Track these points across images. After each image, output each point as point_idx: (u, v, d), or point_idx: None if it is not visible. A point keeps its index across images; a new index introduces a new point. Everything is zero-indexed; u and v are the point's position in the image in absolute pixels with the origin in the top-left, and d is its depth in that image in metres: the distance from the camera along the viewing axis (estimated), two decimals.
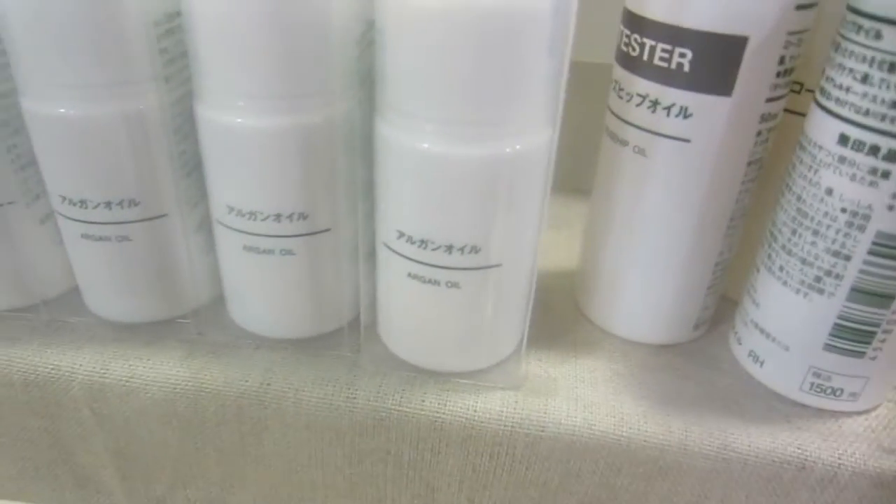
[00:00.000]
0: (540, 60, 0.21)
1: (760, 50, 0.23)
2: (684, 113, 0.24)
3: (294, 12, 0.22)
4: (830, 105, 0.23)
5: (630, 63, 0.25)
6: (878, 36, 0.21)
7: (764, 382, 0.27)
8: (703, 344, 0.30)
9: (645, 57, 0.24)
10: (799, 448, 0.25)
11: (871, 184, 0.22)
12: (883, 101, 0.21)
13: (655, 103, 0.24)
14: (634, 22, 0.25)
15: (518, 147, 0.22)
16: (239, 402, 0.26)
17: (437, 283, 0.24)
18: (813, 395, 0.26)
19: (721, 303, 0.30)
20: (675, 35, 0.23)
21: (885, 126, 0.21)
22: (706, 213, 0.26)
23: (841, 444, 0.25)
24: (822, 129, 0.23)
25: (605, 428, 0.25)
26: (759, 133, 0.25)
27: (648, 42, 0.24)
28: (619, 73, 0.26)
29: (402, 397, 0.26)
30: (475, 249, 0.23)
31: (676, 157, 0.25)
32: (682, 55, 0.23)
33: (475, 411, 0.25)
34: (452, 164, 0.22)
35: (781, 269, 0.26)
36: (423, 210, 0.23)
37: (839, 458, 0.24)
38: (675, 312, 0.29)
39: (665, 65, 0.24)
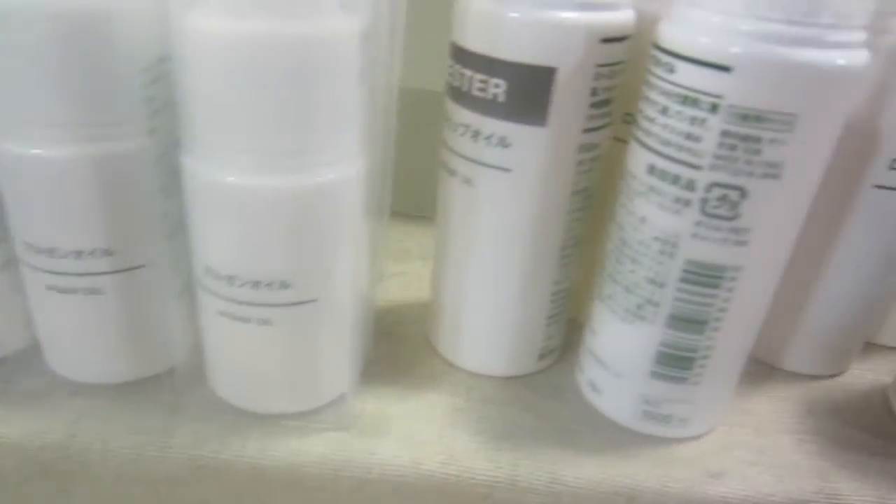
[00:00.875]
0: (346, 89, 0.21)
1: (570, 81, 0.23)
2: (503, 143, 0.24)
3: (79, 40, 0.20)
4: (641, 136, 0.23)
5: (455, 94, 0.25)
6: (672, 70, 0.21)
7: (603, 412, 0.27)
8: (551, 375, 0.30)
9: (465, 87, 0.24)
10: (628, 477, 0.25)
11: (676, 212, 0.22)
12: (679, 133, 0.21)
13: (476, 133, 0.24)
14: (457, 53, 0.24)
15: (326, 178, 0.21)
16: (41, 457, 0.24)
17: (247, 320, 0.23)
18: (646, 422, 0.26)
19: (578, 331, 0.30)
20: (490, 66, 0.23)
21: (683, 156, 0.21)
22: (535, 242, 0.26)
23: (669, 471, 0.25)
24: (636, 159, 0.23)
25: (433, 467, 0.24)
26: (580, 163, 0.25)
27: (468, 72, 0.24)
28: (448, 104, 0.26)
29: (220, 444, 0.24)
30: (284, 285, 0.22)
31: (499, 186, 0.25)
32: (497, 85, 0.23)
33: (297, 455, 0.24)
34: (255, 196, 0.21)
35: (610, 297, 0.26)
36: (228, 245, 0.22)
37: (665, 486, 0.24)
38: (516, 343, 0.28)
39: (482, 95, 0.24)
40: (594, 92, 0.23)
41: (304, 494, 0.24)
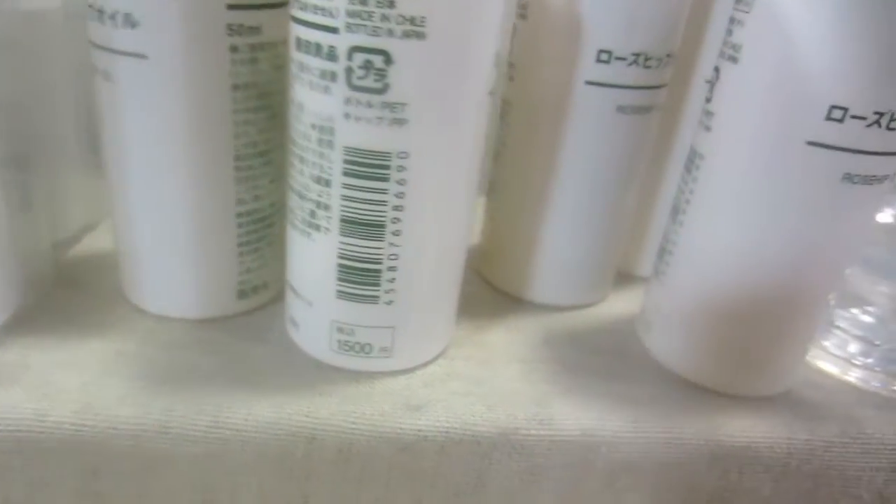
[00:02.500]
0: None
1: None
2: (130, 21, 0.20)
3: None
4: (290, 8, 0.20)
5: None
6: None
7: (302, 348, 0.24)
8: (258, 316, 0.26)
9: None
10: (310, 416, 0.21)
11: (325, 90, 0.19)
12: None
13: (101, 11, 0.20)
14: None
15: None
16: None
17: None
18: (343, 354, 0.23)
19: None
20: None
21: (319, 19, 0.18)
22: (196, 150, 0.22)
23: (360, 407, 0.21)
24: (291, 38, 0.20)
25: (61, 418, 0.20)
26: (235, 49, 0.21)
27: None
28: None
29: None
30: None
31: (138, 79, 0.21)
32: None
33: None
34: None
35: (291, 209, 0.22)
36: None
37: (353, 423, 0.21)
38: (202, 279, 0.24)
39: None
40: None
41: None
